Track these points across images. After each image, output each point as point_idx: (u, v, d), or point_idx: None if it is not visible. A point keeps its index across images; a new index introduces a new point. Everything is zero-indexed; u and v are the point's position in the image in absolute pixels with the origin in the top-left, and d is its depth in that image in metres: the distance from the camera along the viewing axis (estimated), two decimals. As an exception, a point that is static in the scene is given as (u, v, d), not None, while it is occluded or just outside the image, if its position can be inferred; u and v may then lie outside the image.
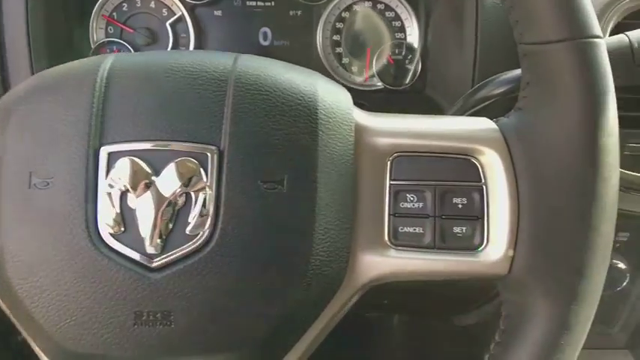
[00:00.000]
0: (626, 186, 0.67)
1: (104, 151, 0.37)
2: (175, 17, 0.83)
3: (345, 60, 0.88)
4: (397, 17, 0.87)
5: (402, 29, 0.87)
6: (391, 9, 0.87)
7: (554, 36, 0.37)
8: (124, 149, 0.37)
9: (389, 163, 0.41)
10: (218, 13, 0.86)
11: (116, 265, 0.36)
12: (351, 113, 0.42)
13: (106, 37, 0.83)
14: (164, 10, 0.84)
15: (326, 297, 0.40)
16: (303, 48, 0.88)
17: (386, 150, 0.41)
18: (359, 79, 0.88)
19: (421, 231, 0.40)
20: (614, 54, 0.49)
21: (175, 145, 0.37)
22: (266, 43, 0.87)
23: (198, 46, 0.85)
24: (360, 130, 0.42)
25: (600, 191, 0.37)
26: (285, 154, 0.38)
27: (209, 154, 0.37)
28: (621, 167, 0.68)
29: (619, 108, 0.70)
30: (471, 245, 0.40)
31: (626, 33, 0.50)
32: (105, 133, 0.37)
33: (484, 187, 0.40)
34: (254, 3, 0.86)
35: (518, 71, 0.58)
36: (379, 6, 0.87)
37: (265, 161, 0.37)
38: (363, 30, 0.87)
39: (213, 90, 0.39)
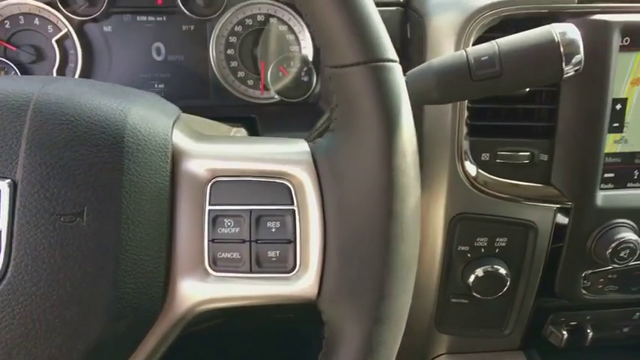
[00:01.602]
0: (498, 192, 0.69)
1: None
2: (61, 34, 0.82)
3: (241, 73, 0.88)
4: (291, 30, 0.88)
5: (297, 42, 0.88)
6: (284, 22, 0.87)
7: (349, 60, 0.38)
8: None
9: (208, 187, 0.41)
10: (108, 29, 0.84)
11: None
12: (168, 139, 0.41)
13: (-11, 56, 0.81)
14: (49, 27, 0.82)
15: (142, 328, 0.39)
16: (197, 62, 0.87)
17: (205, 175, 0.41)
18: (255, 93, 0.88)
19: (238, 256, 0.40)
20: (454, 69, 0.50)
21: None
22: (160, 59, 0.86)
23: (87, 63, 0.83)
24: (179, 155, 0.41)
25: (397, 212, 0.37)
26: (85, 186, 0.37)
27: (1, 188, 0.36)
28: (494, 174, 0.71)
29: (488, 117, 0.72)
30: (284, 269, 0.40)
31: (466, 49, 0.51)
32: None
33: (296, 210, 0.40)
34: (145, 18, 0.85)
35: None
36: (272, 20, 0.87)
37: (63, 193, 0.37)
38: (257, 43, 0.87)
39: (11, 120, 0.38)
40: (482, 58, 0.49)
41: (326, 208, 0.39)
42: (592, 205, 0.69)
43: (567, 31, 0.48)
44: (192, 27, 0.86)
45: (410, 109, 0.38)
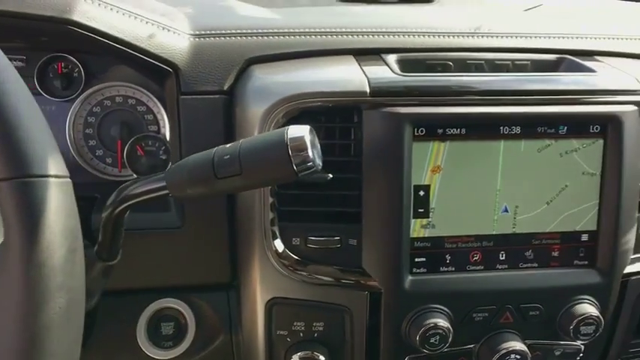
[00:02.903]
0: (311, 277, 0.69)
1: None
2: None
3: (99, 152, 0.90)
4: (149, 111, 0.91)
5: (155, 122, 0.91)
6: (143, 103, 0.91)
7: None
8: None
9: None
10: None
11: None
12: None
13: None
14: None
15: None
16: (58, 142, 0.89)
17: None
18: (113, 171, 0.90)
19: None
20: (201, 167, 0.52)
21: None
22: (20, 138, 0.88)
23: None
24: None
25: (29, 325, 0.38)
26: None
27: None
28: (306, 259, 0.71)
29: (296, 203, 0.73)
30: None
31: (217, 147, 0.53)
32: None
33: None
34: None
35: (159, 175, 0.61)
36: (130, 101, 0.90)
37: None
38: (116, 123, 0.90)
39: None
40: (225, 157, 0.51)
41: None
42: (402, 290, 0.69)
43: (297, 132, 0.50)
44: (53, 107, 0.90)
45: (58, 220, 0.39)
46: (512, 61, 0.79)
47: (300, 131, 0.50)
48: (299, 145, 0.49)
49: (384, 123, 0.66)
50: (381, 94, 0.67)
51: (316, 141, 0.54)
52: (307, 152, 0.50)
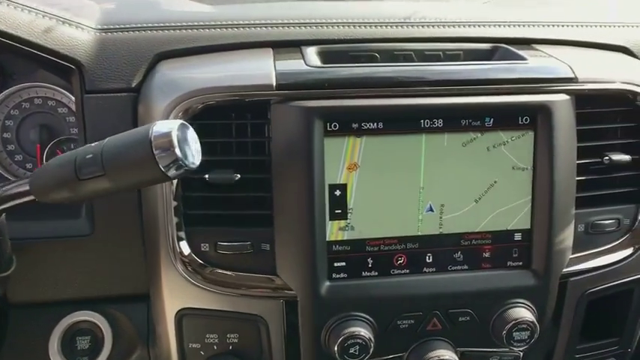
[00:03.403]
0: (221, 285, 0.64)
1: None
2: None
3: (18, 157, 0.85)
4: (71, 112, 0.86)
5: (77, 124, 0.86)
6: (64, 105, 0.86)
7: None
8: None
9: None
10: None
11: None
12: None
13: None
14: None
15: None
16: (-25, 147, 0.85)
17: None
18: (33, 176, 0.86)
19: None
20: (63, 168, 0.48)
21: None
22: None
23: None
24: None
25: None
26: None
27: None
28: (216, 266, 0.65)
29: (204, 206, 0.64)
30: None
31: (79, 149, 0.48)
32: None
33: None
34: None
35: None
36: (50, 102, 0.86)
37: None
38: (35, 126, 0.85)
39: None
40: (87, 157, 0.46)
41: None
42: (319, 297, 0.64)
43: (163, 128, 0.46)
44: (-30, 112, 0.85)
45: None
46: (444, 51, 0.74)
47: (168, 127, 0.45)
48: (165, 142, 0.45)
49: (291, 118, 0.62)
50: (289, 87, 0.62)
51: (190, 137, 0.49)
52: (174, 150, 0.45)
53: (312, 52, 0.71)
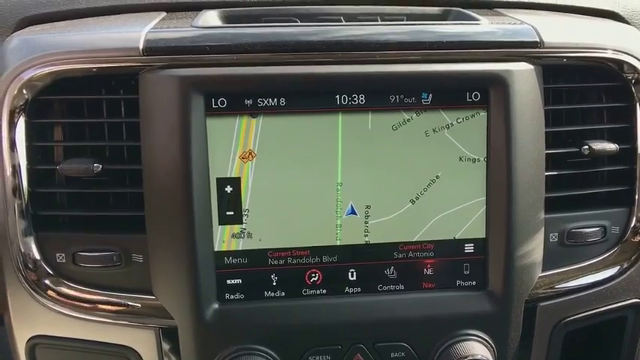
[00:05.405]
0: (80, 306, 0.50)
1: None
2: None
3: None
4: None
5: None
6: None
7: None
8: None
9: None
10: None
11: None
12: None
13: None
14: None
15: None
16: None
17: None
18: None
19: None
20: None
21: None
22: None
23: None
24: None
25: None
26: None
27: None
28: (75, 282, 0.51)
29: (59, 205, 0.51)
30: None
31: None
32: None
33: None
34: None
35: None
36: None
37: None
38: None
39: None
40: None
41: None
42: (204, 325, 0.49)
43: None
44: None
45: None
46: (382, 14, 0.60)
47: None
48: None
49: (162, 91, 0.47)
50: (159, 51, 0.48)
51: None
52: None
53: (212, 16, 0.57)
